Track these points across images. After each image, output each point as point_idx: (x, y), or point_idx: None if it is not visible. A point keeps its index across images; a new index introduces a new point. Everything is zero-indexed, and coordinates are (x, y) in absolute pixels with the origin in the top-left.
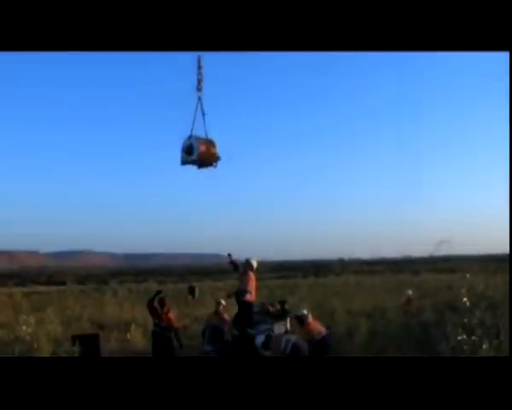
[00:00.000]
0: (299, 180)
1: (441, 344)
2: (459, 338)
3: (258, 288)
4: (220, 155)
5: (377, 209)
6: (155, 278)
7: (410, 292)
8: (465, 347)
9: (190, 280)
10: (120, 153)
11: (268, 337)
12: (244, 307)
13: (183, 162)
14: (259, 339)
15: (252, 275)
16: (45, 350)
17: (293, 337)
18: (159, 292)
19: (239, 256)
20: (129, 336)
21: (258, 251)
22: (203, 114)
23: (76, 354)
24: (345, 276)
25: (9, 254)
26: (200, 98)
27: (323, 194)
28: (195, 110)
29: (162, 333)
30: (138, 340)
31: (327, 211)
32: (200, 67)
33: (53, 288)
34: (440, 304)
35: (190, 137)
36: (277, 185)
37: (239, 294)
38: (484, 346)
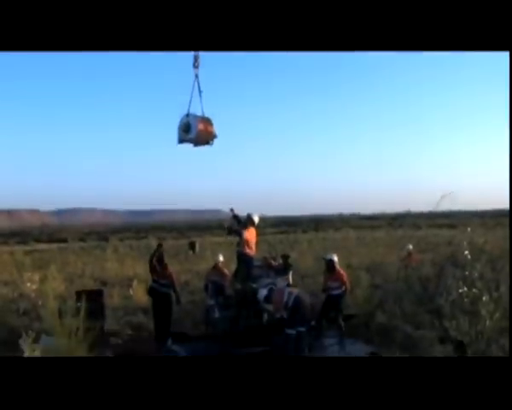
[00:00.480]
0: (301, 136)
1: (441, 298)
2: (460, 291)
3: (258, 243)
4: (216, 132)
5: (379, 165)
6: (156, 234)
7: (411, 247)
8: (465, 299)
9: (191, 236)
10: (122, 104)
11: (270, 291)
12: (244, 260)
13: (180, 140)
14: (262, 293)
15: (252, 230)
16: (50, 306)
17: (295, 290)
18: (159, 245)
19: (239, 213)
20: (131, 291)
21: (259, 206)
22: (200, 92)
23: (82, 311)
24: (344, 231)
25: (10, 213)
26: (196, 76)
27: (325, 149)
28: (192, 88)
29: (159, 289)
30: (141, 296)
31: (328, 166)
32: None
33: (54, 246)
34: (441, 259)
35: (188, 115)
36: (278, 141)
37: (240, 248)
38: (484, 298)
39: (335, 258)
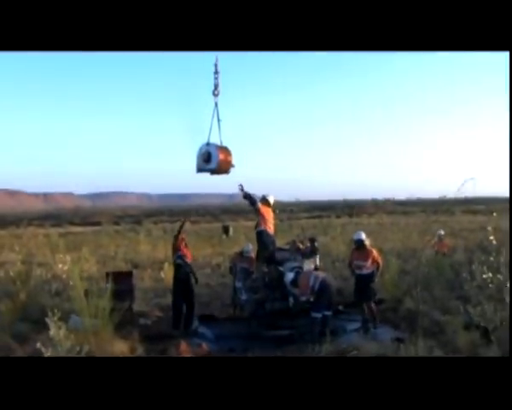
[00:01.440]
0: (333, 121)
1: (467, 283)
2: (484, 277)
3: (291, 227)
4: (234, 162)
5: (413, 150)
6: (189, 217)
7: (442, 232)
8: (490, 285)
9: (224, 220)
10: (155, 89)
11: (297, 275)
12: (264, 240)
13: (200, 170)
14: (289, 276)
15: (269, 210)
16: (79, 287)
17: (321, 274)
18: (183, 222)
19: (274, 198)
20: (162, 274)
21: (292, 192)
22: (218, 121)
23: (109, 292)
24: (378, 216)
25: (45, 196)
26: (216, 104)
27: (359, 134)
28: (212, 116)
29: (185, 267)
30: (171, 278)
31: (362, 152)
32: (216, 72)
33: (88, 228)
34: (472, 244)
35: (208, 144)
36: (312, 127)
37: (258, 228)
38: (508, 284)
39: (363, 236)
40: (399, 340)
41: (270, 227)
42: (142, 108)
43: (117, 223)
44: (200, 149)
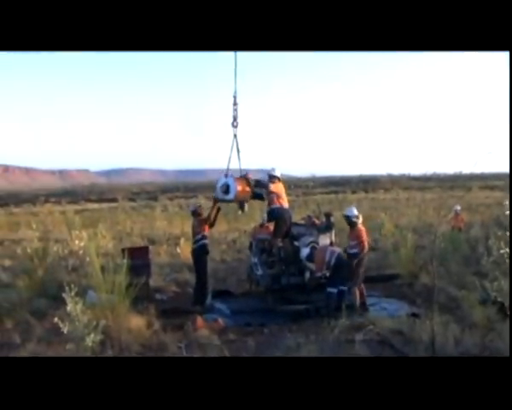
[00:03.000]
0: (347, 97)
1: (483, 258)
2: (501, 252)
3: (306, 202)
4: (256, 190)
5: (430, 125)
6: (205, 193)
7: (459, 207)
8: (507, 260)
9: None
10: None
11: (312, 250)
12: (278, 216)
13: (219, 199)
14: (304, 251)
15: (278, 184)
16: (97, 263)
17: (337, 249)
18: (218, 209)
19: (290, 172)
20: (178, 250)
21: (308, 167)
22: (238, 151)
23: (125, 267)
24: (394, 192)
25: (61, 173)
26: (235, 135)
27: (375, 109)
28: (231, 147)
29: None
30: (187, 254)
31: (377, 126)
32: (235, 104)
33: (104, 205)
34: (488, 220)
35: (226, 175)
36: (326, 101)
37: (270, 206)
38: None
39: (354, 212)
40: (415, 315)
41: (282, 202)
42: (157, 84)
43: (133, 199)
44: (220, 179)
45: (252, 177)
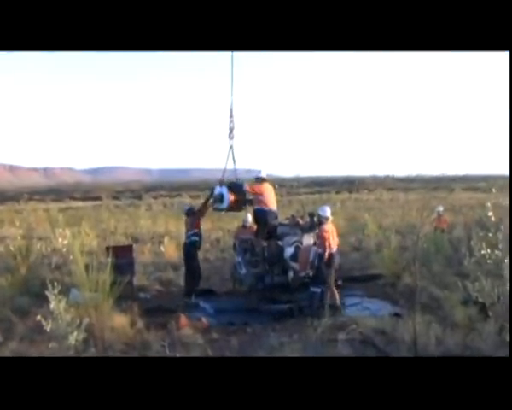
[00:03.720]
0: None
1: (466, 259)
2: (483, 253)
3: (291, 202)
4: (249, 196)
5: (414, 127)
6: (189, 192)
7: (441, 208)
8: (488, 261)
9: None
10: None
11: (296, 249)
12: (260, 217)
13: (214, 208)
14: (288, 251)
15: (261, 186)
16: (79, 261)
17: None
18: (207, 200)
19: (275, 172)
20: (162, 248)
21: (293, 167)
22: (234, 161)
23: (109, 266)
24: (378, 192)
25: (45, 171)
26: (231, 146)
27: (360, 110)
28: (227, 157)
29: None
30: (171, 252)
31: (362, 126)
32: (231, 116)
33: (89, 203)
34: (471, 221)
35: (221, 185)
36: (312, 101)
37: (254, 206)
38: (506, 260)
39: (326, 213)
40: (397, 315)
41: (267, 203)
42: (142, 81)
43: (117, 198)
44: (215, 188)
45: (248, 187)
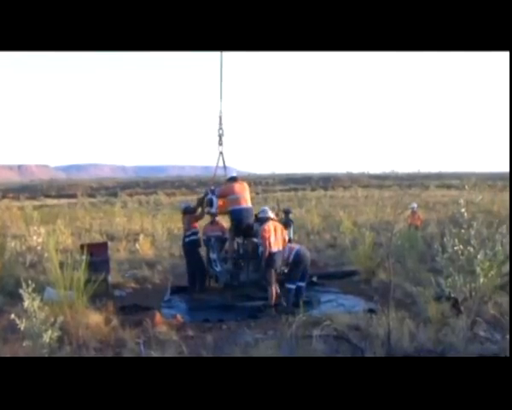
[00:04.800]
0: (312, 90)
1: (439, 255)
2: (455, 248)
3: (266, 199)
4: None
5: (389, 123)
6: (165, 190)
7: (415, 205)
8: (461, 257)
9: (200, 192)
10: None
11: None
12: (234, 216)
13: (206, 213)
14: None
15: (233, 185)
16: (55, 259)
17: (296, 246)
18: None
19: (250, 169)
20: (137, 246)
21: (268, 164)
22: (224, 168)
23: (84, 264)
24: (353, 189)
25: (20, 168)
26: (221, 153)
27: (336, 108)
28: (217, 162)
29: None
30: (146, 250)
31: (338, 123)
32: (221, 123)
33: (64, 201)
34: (444, 218)
35: (213, 191)
36: (289, 96)
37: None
38: (479, 256)
39: (262, 214)
40: (372, 311)
41: (241, 202)
42: (118, 77)
43: (92, 195)
44: (206, 193)
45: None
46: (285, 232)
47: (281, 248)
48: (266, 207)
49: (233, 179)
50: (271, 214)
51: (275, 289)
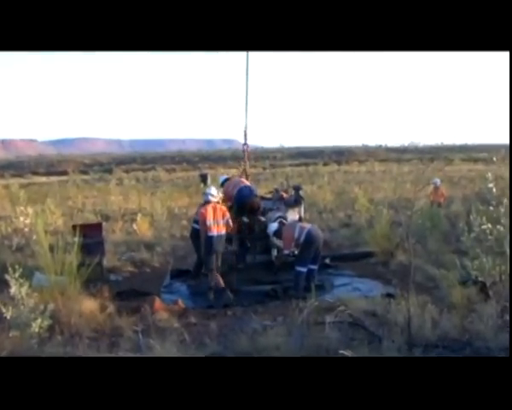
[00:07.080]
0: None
1: (465, 235)
2: (483, 228)
3: (274, 175)
4: None
5: (409, 94)
6: (164, 165)
7: (438, 181)
8: (489, 237)
9: (202, 167)
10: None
11: (280, 225)
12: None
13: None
14: (272, 227)
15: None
16: (44, 242)
17: (307, 226)
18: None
19: (257, 142)
20: (135, 226)
21: (276, 136)
22: (247, 177)
23: (75, 246)
24: (369, 164)
25: (4, 143)
26: (244, 169)
27: (349, 73)
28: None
29: None
30: (145, 231)
31: (351, 92)
32: (246, 141)
33: (53, 178)
34: (470, 194)
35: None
36: (297, 65)
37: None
38: (508, 237)
39: (210, 191)
40: (390, 296)
41: (239, 183)
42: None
43: (85, 172)
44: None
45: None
46: (227, 215)
47: (223, 232)
48: (211, 188)
49: (226, 179)
50: (214, 198)
51: (215, 275)
